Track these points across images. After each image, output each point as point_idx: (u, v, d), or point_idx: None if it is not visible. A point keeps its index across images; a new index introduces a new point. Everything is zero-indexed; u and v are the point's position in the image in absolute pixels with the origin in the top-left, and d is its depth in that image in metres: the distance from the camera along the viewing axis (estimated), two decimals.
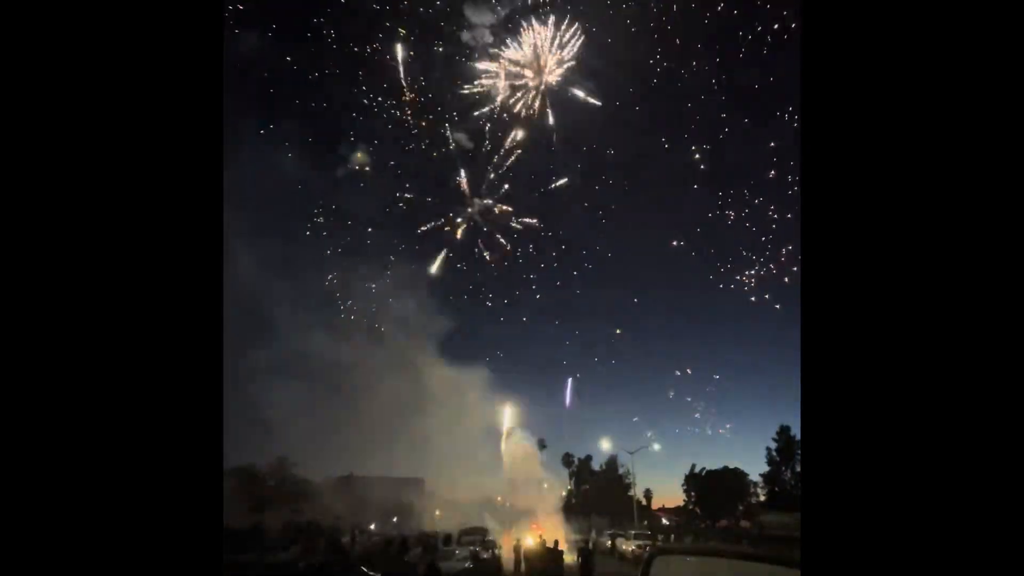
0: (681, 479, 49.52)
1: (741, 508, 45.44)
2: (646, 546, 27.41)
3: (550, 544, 18.37)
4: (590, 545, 22.75)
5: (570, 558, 21.34)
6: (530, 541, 22.00)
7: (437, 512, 49.00)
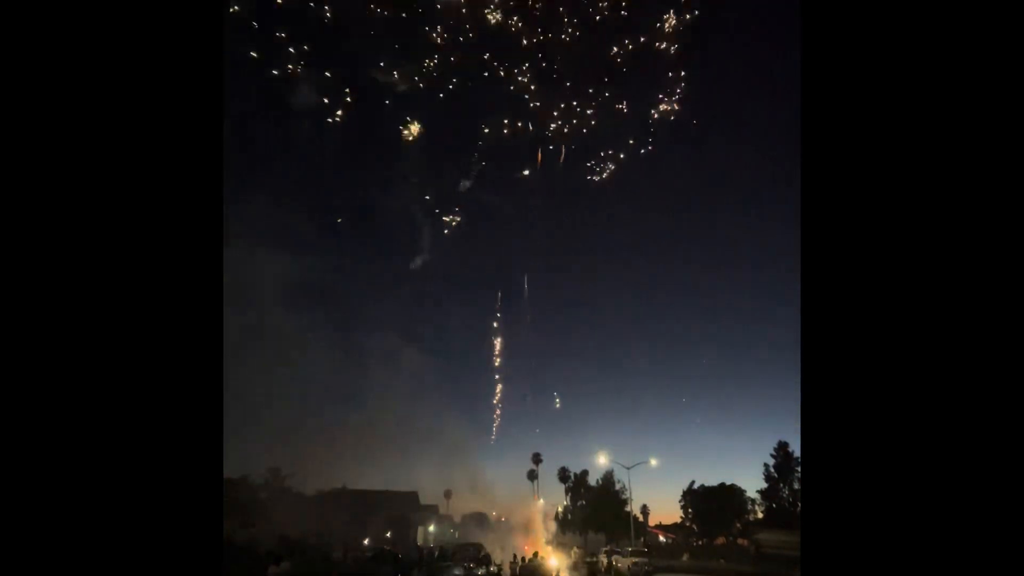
0: (679, 495, 49.03)
1: (738, 526, 44.89)
2: (643, 563, 27.03)
3: (549, 561, 18.10)
4: (594, 560, 22.49)
5: None
6: (526, 559, 21.66)
7: (432, 527, 48.27)
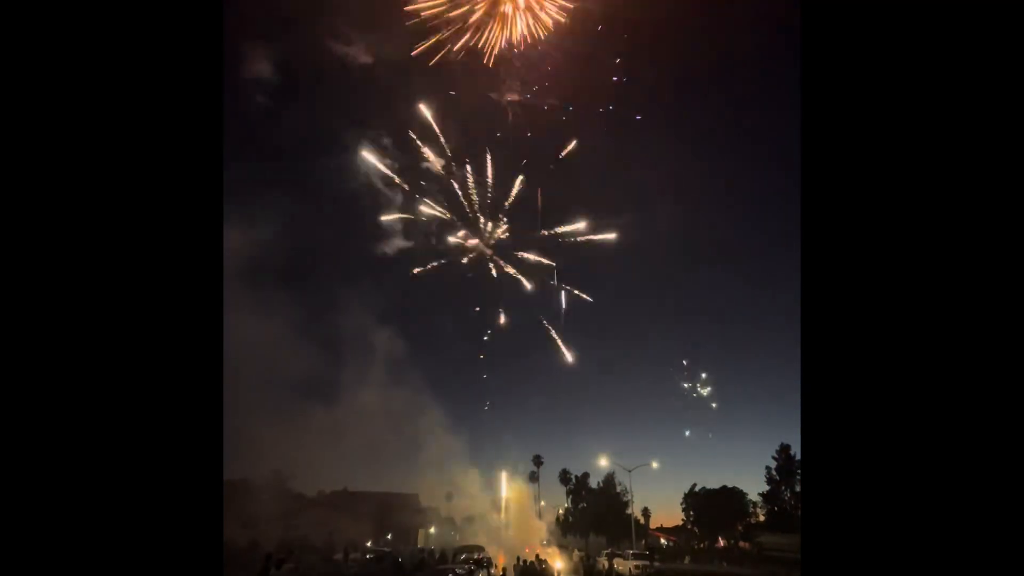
0: (680, 497, 48.98)
1: (740, 528, 44.82)
2: (644, 566, 26.95)
3: (552, 564, 18.13)
4: (590, 561, 22.55)
5: None
6: (528, 561, 21.63)
7: (433, 529, 48.25)
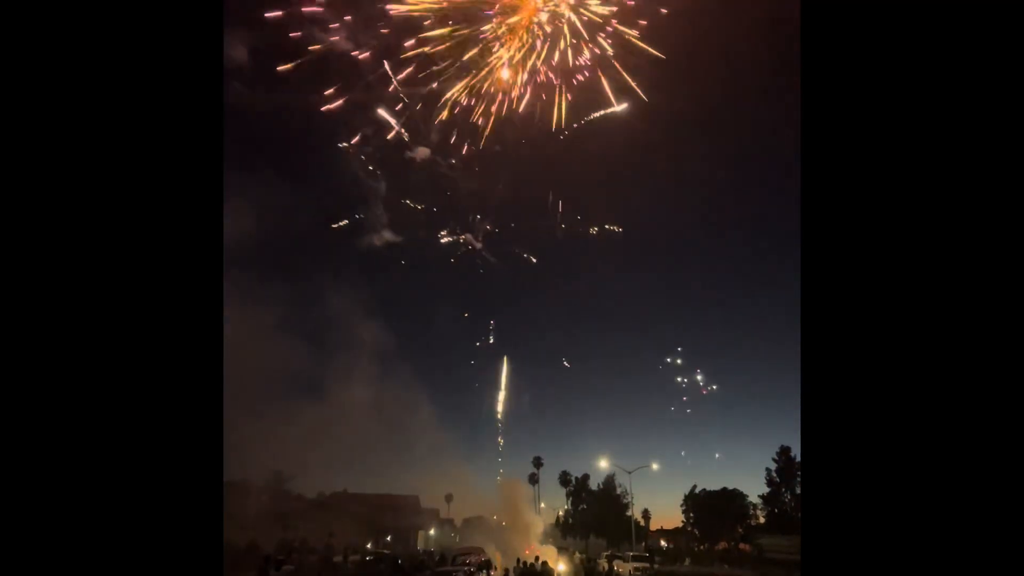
0: (680, 499, 48.99)
1: (740, 530, 44.79)
2: (644, 568, 26.91)
3: (555, 566, 18.12)
4: (592, 563, 22.52)
5: None
6: (528, 563, 21.59)
7: (432, 530, 48.22)
